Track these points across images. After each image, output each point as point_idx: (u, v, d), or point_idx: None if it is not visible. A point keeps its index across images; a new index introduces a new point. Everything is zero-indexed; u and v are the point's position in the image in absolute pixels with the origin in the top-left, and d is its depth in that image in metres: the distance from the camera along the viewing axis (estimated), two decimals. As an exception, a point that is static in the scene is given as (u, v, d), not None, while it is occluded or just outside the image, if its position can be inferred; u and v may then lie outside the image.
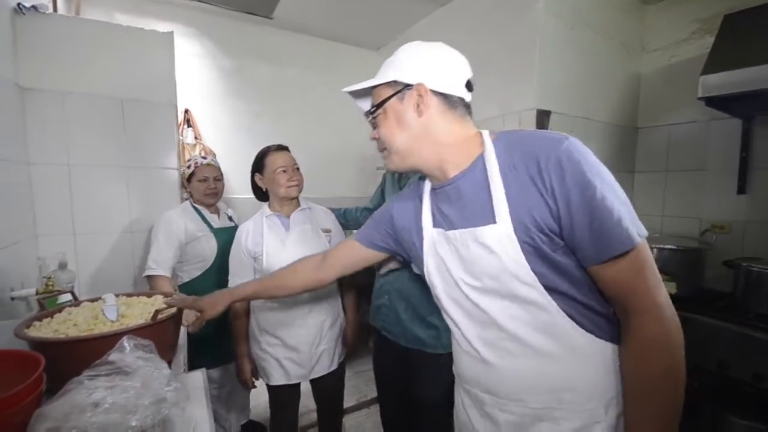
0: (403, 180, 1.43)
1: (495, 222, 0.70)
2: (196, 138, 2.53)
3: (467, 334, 0.81)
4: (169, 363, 0.89)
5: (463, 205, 0.78)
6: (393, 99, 0.79)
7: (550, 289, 0.69)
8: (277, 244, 1.43)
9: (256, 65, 2.84)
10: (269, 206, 1.51)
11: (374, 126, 0.85)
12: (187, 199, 1.85)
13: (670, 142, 2.11)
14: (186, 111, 2.52)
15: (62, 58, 1.57)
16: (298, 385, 1.52)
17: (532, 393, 0.74)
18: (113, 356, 0.72)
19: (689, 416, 0.83)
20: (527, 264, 0.68)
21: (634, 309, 0.66)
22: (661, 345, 0.65)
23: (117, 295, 1.12)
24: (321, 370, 1.51)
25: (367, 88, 0.83)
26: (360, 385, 2.55)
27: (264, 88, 2.88)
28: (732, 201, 1.83)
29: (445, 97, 0.77)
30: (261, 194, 1.54)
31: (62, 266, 1.49)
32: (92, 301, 1.11)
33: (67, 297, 1.26)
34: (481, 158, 0.75)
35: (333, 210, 1.69)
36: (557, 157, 0.65)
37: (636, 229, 0.64)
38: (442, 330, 1.28)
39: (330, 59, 3.14)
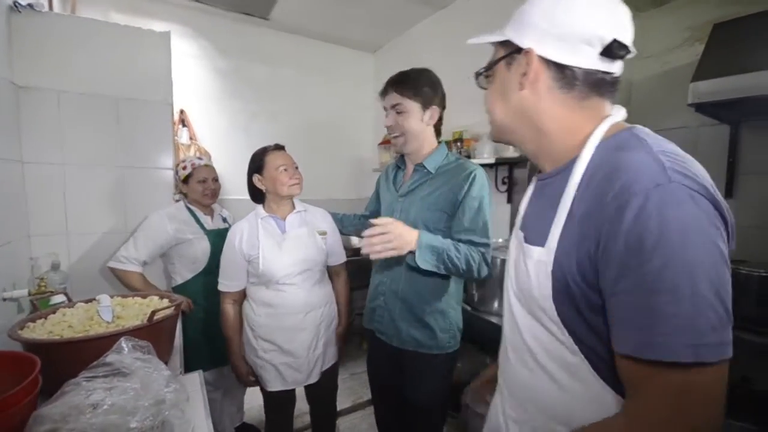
0: (398, 181, 1.41)
1: (543, 246, 0.59)
2: (191, 138, 2.52)
3: (504, 328, 0.75)
4: (165, 364, 0.89)
5: (537, 210, 0.67)
6: (501, 63, 0.65)
7: (575, 334, 0.56)
8: (273, 248, 1.41)
9: (252, 66, 2.83)
10: (264, 208, 1.49)
11: (483, 86, 0.72)
12: (179, 200, 1.84)
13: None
14: (181, 111, 2.51)
15: (58, 57, 1.56)
16: (293, 389, 1.51)
17: (535, 408, 0.67)
18: (111, 357, 0.72)
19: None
20: (554, 305, 0.56)
21: (638, 401, 0.49)
22: None
23: (112, 296, 1.12)
24: (318, 374, 1.50)
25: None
26: (355, 387, 2.55)
27: (260, 89, 2.88)
28: (721, 205, 1.86)
29: (560, 70, 0.59)
30: (258, 196, 1.51)
31: (55, 267, 1.47)
32: (86, 302, 1.11)
33: (60, 298, 1.25)
34: (573, 162, 0.59)
35: (330, 214, 1.66)
36: (625, 200, 0.46)
37: (688, 340, 0.43)
38: (437, 331, 1.28)
39: (326, 61, 3.15)
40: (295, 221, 1.50)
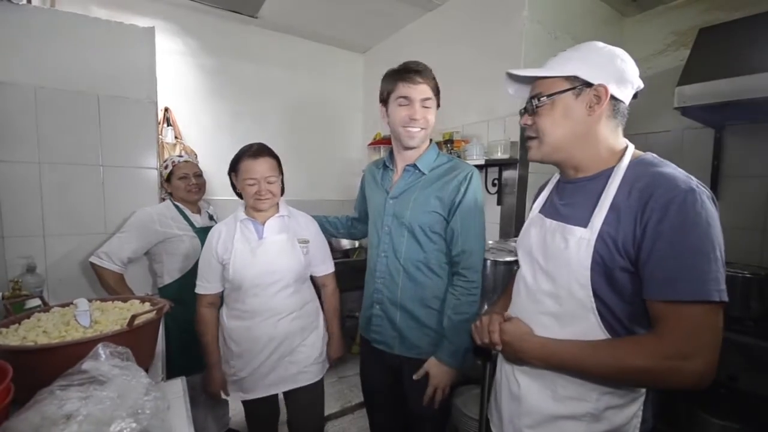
0: (387, 181, 1.35)
1: (585, 227, 0.76)
2: (176, 137, 2.47)
3: (522, 298, 0.90)
4: (146, 371, 0.85)
5: (570, 203, 0.84)
6: (568, 93, 0.79)
7: (597, 294, 0.74)
8: (245, 254, 1.33)
9: (240, 65, 2.79)
10: (245, 209, 1.40)
11: (531, 113, 0.85)
12: (165, 200, 1.80)
13: (646, 150, 2.17)
14: (166, 109, 2.46)
15: (35, 51, 1.50)
16: (275, 398, 1.44)
17: None
18: (87, 365, 0.68)
19: (667, 417, 0.85)
20: (589, 270, 0.74)
21: (667, 329, 0.67)
22: (658, 354, 0.66)
23: (90, 300, 1.07)
24: (294, 383, 1.41)
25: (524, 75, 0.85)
26: (344, 391, 2.52)
27: (247, 88, 2.83)
28: (705, 207, 1.90)
29: (615, 103, 0.78)
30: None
31: (30, 269, 1.42)
32: (63, 306, 1.06)
33: (36, 302, 1.20)
34: (609, 172, 0.78)
35: (316, 217, 1.58)
36: (668, 201, 0.66)
37: (715, 287, 0.63)
38: (441, 334, 1.22)
39: (316, 61, 3.13)
40: (275, 226, 1.40)
